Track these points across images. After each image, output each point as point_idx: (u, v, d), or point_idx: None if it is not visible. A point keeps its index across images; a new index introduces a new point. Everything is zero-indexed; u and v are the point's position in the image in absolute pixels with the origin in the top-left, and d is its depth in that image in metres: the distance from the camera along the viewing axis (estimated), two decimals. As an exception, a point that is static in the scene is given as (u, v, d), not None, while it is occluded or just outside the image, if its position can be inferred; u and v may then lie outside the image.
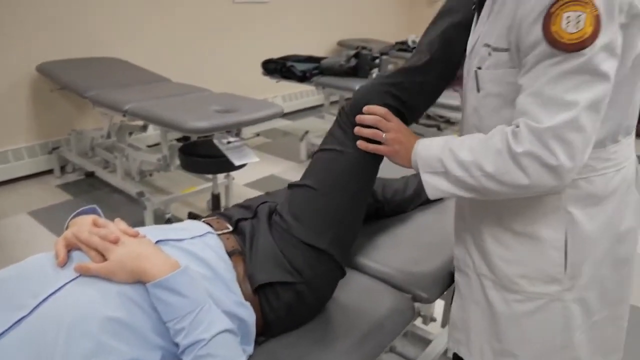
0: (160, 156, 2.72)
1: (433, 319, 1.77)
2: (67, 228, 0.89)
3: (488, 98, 0.95)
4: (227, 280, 0.93)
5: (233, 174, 2.83)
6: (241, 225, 1.09)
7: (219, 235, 1.03)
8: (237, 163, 2.35)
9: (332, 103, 4.03)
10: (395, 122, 1.07)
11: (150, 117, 2.41)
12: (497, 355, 1.08)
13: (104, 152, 3.27)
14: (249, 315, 0.94)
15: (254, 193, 3.27)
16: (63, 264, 0.80)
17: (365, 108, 1.09)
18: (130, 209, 2.96)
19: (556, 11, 0.78)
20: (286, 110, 4.92)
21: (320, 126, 4.29)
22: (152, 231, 0.92)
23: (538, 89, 0.83)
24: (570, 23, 0.77)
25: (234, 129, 2.38)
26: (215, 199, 2.61)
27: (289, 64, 3.62)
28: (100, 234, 0.82)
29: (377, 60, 3.69)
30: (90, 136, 3.34)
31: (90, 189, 3.26)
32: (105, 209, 3.01)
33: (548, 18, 0.78)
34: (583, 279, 0.98)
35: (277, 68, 3.68)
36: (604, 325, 1.05)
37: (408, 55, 4.67)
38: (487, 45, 0.92)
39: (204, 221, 1.07)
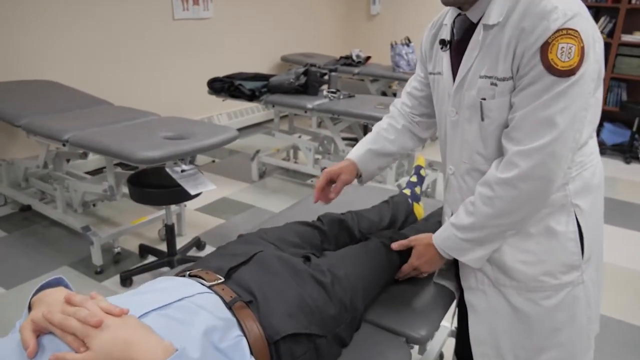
0: (105, 186, 2.55)
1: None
2: (30, 307, 0.76)
3: (494, 124, 1.03)
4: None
5: (185, 201, 2.69)
6: (237, 275, 0.99)
7: (210, 287, 0.91)
8: (193, 192, 2.23)
9: (282, 117, 3.95)
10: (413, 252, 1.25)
11: (94, 147, 2.23)
12: (531, 355, 1.13)
13: (40, 182, 3.02)
14: None
15: (207, 218, 3.14)
16: (33, 355, 0.67)
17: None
18: (74, 244, 2.74)
19: (553, 41, 0.91)
20: (234, 127, 4.82)
21: (269, 144, 4.20)
22: (132, 299, 0.81)
23: (534, 109, 0.96)
24: (564, 53, 0.91)
25: (188, 157, 2.25)
26: (169, 229, 2.46)
27: (236, 82, 3.51)
28: (78, 315, 0.69)
29: (326, 77, 3.68)
30: (23, 166, 3.08)
31: (27, 223, 2.99)
32: (46, 245, 2.83)
33: (546, 47, 0.91)
34: (591, 258, 1.12)
35: (224, 87, 3.56)
36: (598, 290, 1.19)
37: (355, 69, 4.69)
38: (489, 77, 1.01)
39: (189, 274, 0.96)
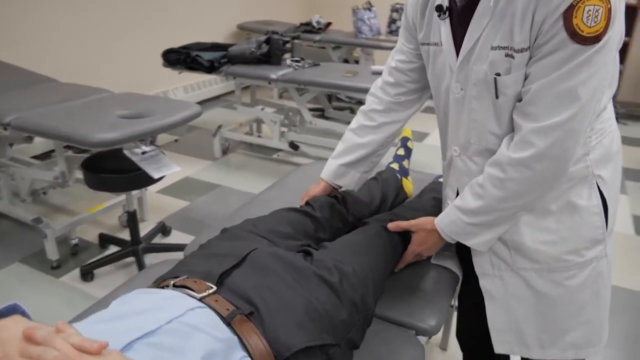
0: (56, 173, 2.31)
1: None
2: None
3: (510, 101, 0.92)
4: None
5: (147, 184, 2.49)
6: (231, 281, 0.84)
7: (202, 299, 0.77)
8: (156, 176, 2.04)
9: (243, 89, 3.74)
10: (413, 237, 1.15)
11: (42, 130, 1.99)
12: (556, 337, 1.07)
13: (-19, 171, 2.73)
14: None
15: (170, 201, 2.94)
16: None
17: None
18: (25, 237, 2.50)
19: (578, 4, 0.79)
20: (191, 101, 4.56)
21: (231, 118, 3.99)
22: (108, 327, 0.66)
23: (553, 80, 0.84)
24: (590, 17, 0.79)
25: (149, 137, 2.05)
26: (132, 216, 2.27)
27: (193, 53, 3.27)
28: (46, 357, 0.55)
29: (289, 45, 3.48)
30: (-41, 153, 2.77)
31: (-32, 217, 2.72)
32: (-8, 239, 2.58)
33: (570, 10, 0.79)
34: (612, 228, 1.05)
35: (181, 59, 3.31)
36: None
37: (316, 37, 4.49)
38: (503, 48, 0.88)
39: (174, 285, 0.81)
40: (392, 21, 4.74)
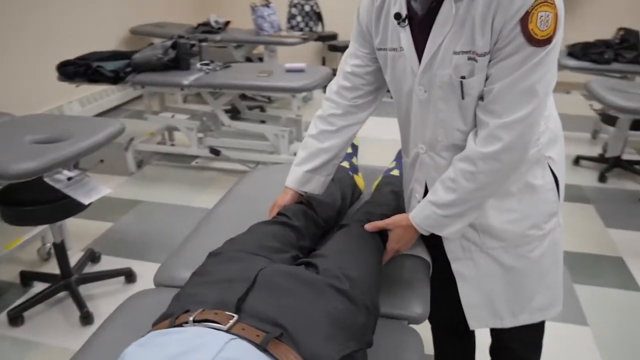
0: (-39, 212, 2.06)
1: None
2: None
3: (474, 101, 0.99)
4: None
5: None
6: (248, 306, 0.82)
7: (228, 330, 0.74)
8: (87, 201, 1.91)
9: (138, 98, 3.54)
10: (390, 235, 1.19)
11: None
12: (525, 304, 1.17)
13: None
14: None
15: (91, 225, 2.75)
16: None
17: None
18: None
19: (533, 11, 0.87)
20: (88, 114, 4.25)
21: (138, 128, 3.78)
22: None
23: (514, 80, 0.92)
24: (542, 22, 0.88)
25: (71, 163, 1.90)
26: (59, 248, 2.09)
27: (94, 64, 3.05)
28: None
29: (195, 48, 3.38)
30: None
31: None
32: None
33: (526, 17, 0.87)
34: (562, 200, 1.18)
35: (80, 71, 3.07)
36: None
37: (216, 37, 4.38)
38: (465, 52, 0.95)
39: (194, 321, 0.77)
40: (292, 16, 4.78)
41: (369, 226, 1.18)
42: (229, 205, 1.58)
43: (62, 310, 2.09)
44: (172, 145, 3.83)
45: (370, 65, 1.20)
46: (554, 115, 1.13)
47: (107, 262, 2.41)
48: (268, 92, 3.33)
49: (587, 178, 3.30)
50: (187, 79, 3.06)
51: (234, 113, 4.01)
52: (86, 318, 1.99)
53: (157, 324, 0.85)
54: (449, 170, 1.05)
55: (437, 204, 1.06)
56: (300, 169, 1.28)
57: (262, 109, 4.65)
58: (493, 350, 1.39)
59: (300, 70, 3.20)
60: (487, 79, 0.96)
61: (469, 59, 0.95)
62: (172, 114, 3.76)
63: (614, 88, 2.57)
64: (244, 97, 4.57)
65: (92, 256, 2.38)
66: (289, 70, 3.21)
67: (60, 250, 2.09)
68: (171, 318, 0.81)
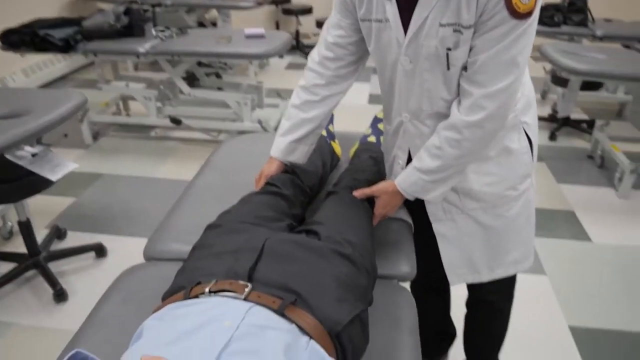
0: None
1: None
2: None
3: (458, 71, 1.03)
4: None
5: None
6: (259, 275, 0.84)
7: (246, 299, 0.76)
8: (55, 178, 1.85)
9: (89, 65, 3.38)
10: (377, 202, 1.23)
11: None
12: (501, 259, 1.26)
13: None
14: None
15: (52, 201, 2.66)
16: None
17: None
18: None
19: None
20: (34, 85, 4.03)
21: (94, 99, 3.61)
22: (182, 345, 0.64)
23: (498, 52, 0.96)
24: None
25: (34, 138, 1.82)
26: (25, 226, 2.02)
27: (41, 32, 2.88)
28: None
29: (148, 14, 3.24)
30: None
31: None
32: None
33: None
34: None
35: (25, 39, 2.90)
36: None
37: (167, 1, 4.21)
38: (451, 24, 0.98)
39: (210, 292, 0.78)
40: (245, -21, 4.62)
41: (357, 193, 1.22)
42: (209, 177, 1.58)
43: (33, 289, 2.04)
44: (128, 115, 3.71)
45: (353, 35, 1.21)
46: (528, 82, 1.18)
47: (74, 238, 2.36)
48: (229, 59, 3.25)
49: (538, 137, 3.46)
50: (143, 46, 2.95)
51: (190, 80, 3.91)
52: (60, 295, 1.96)
53: (167, 298, 0.87)
54: (433, 138, 1.09)
55: (423, 170, 1.11)
56: (285, 139, 1.29)
57: (219, 76, 4.55)
58: (470, 303, 1.48)
59: (261, 36, 3.15)
60: (470, 49, 1.00)
61: (455, 30, 0.97)
62: (126, 83, 3.62)
63: (566, 51, 2.69)
64: (199, 63, 4.45)
65: (57, 233, 2.32)
66: (249, 36, 3.15)
67: (26, 229, 2.03)
68: (185, 291, 0.82)
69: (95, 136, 3.39)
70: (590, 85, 3.37)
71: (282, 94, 3.71)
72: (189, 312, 0.75)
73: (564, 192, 2.82)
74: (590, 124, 3.63)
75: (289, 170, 1.34)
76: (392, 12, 1.04)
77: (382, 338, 0.99)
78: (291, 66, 5.18)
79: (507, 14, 0.92)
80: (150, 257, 1.25)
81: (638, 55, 2.96)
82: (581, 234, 2.46)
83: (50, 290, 1.98)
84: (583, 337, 1.87)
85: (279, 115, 3.43)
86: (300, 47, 5.44)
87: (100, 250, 2.22)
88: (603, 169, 3.10)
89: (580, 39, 3.78)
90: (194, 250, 0.99)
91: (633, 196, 2.81)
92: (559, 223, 2.54)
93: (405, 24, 1.04)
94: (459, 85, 1.05)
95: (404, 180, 1.15)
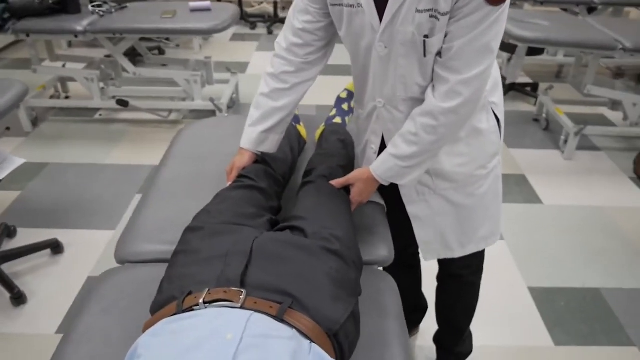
0: None
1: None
2: None
3: (433, 58, 1.03)
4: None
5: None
6: (251, 279, 0.83)
7: (242, 307, 0.75)
8: (1, 176, 1.73)
9: (15, 42, 3.14)
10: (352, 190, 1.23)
11: None
12: (471, 235, 1.30)
13: None
14: None
15: (4, 196, 2.49)
16: None
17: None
18: None
19: None
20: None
21: (30, 82, 3.37)
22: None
23: (473, 38, 0.97)
24: None
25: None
26: (-29, 228, 1.89)
27: (-37, 11, 2.63)
28: None
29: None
30: None
31: None
32: None
33: None
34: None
35: (-54, 20, 2.65)
36: None
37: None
38: (428, 10, 0.97)
39: (205, 303, 0.76)
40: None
41: (334, 183, 1.22)
42: (173, 168, 1.52)
43: (-14, 293, 1.93)
44: (67, 97, 3.50)
45: (322, 20, 1.17)
46: (495, 62, 1.20)
47: (25, 235, 2.23)
48: (175, 35, 3.10)
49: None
50: (80, 24, 2.76)
51: (132, 57, 3.72)
52: (18, 299, 1.86)
53: (157, 311, 0.84)
54: (408, 124, 1.09)
55: (399, 157, 1.12)
56: (255, 129, 1.26)
57: (161, 51, 4.36)
58: (441, 278, 1.53)
59: (207, 10, 3.02)
60: (445, 36, 0.99)
61: (431, 16, 0.97)
62: (63, 64, 3.40)
63: (513, 18, 2.74)
64: (141, 38, 4.23)
65: (7, 231, 2.18)
66: (194, 10, 3.01)
67: (-26, 230, 1.90)
68: (177, 302, 0.80)
69: (35, 122, 3.18)
70: (533, 51, 3.47)
71: (231, 68, 3.60)
72: (186, 327, 0.73)
73: (514, 156, 2.94)
74: (534, 87, 3.77)
75: (260, 159, 1.31)
76: None
77: (369, 327, 1.00)
78: (236, 37, 5.02)
79: (483, 1, 0.92)
80: (123, 259, 1.20)
81: (576, 19, 3.08)
82: (533, 197, 2.58)
83: (6, 294, 1.87)
84: (541, 296, 1.98)
85: (230, 91, 3.34)
86: (244, 16, 5.27)
87: (56, 247, 2.11)
88: (548, 131, 3.25)
89: (522, 4, 3.87)
90: (178, 256, 0.95)
91: (577, 157, 2.96)
92: (511, 187, 2.65)
93: (380, 9, 1.02)
94: (433, 71, 1.05)
95: (379, 167, 1.16)
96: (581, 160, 2.94)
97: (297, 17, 1.19)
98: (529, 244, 2.26)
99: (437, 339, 1.66)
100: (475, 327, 1.61)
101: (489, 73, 1.02)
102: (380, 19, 1.02)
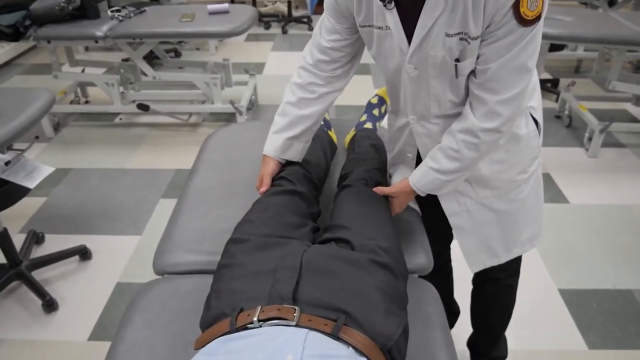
0: None
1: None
2: None
3: (465, 78, 1.03)
4: None
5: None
6: (303, 295, 0.82)
7: (298, 325, 0.74)
8: (32, 185, 1.74)
9: (30, 50, 3.16)
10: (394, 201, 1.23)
11: None
12: (517, 239, 1.28)
13: None
14: None
15: (21, 202, 2.50)
16: None
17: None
18: None
19: None
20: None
21: (54, 86, 3.39)
22: None
23: (508, 60, 0.95)
24: (532, 3, 0.90)
25: (5, 146, 1.70)
26: (3, 237, 1.91)
27: (-14, 19, 2.66)
28: None
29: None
30: None
31: None
32: None
33: (517, 2, 0.89)
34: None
35: (-31, 28, 2.67)
36: None
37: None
38: (458, 34, 0.96)
39: (259, 321, 0.75)
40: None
41: (377, 190, 1.21)
42: (204, 176, 1.52)
43: (18, 300, 1.94)
44: (87, 102, 3.52)
45: (349, 38, 1.16)
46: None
47: (53, 242, 2.25)
48: (194, 38, 3.11)
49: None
50: (100, 29, 2.78)
51: (149, 60, 3.73)
52: (50, 306, 1.88)
53: (208, 327, 0.83)
54: (448, 140, 1.08)
55: (441, 171, 1.11)
56: (280, 136, 1.25)
57: (177, 53, 4.37)
58: (477, 282, 1.52)
59: (225, 12, 3.02)
60: (478, 57, 0.98)
61: (461, 39, 0.96)
62: (82, 69, 3.42)
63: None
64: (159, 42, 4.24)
65: (35, 238, 2.20)
66: (212, 12, 3.01)
67: (4, 239, 1.92)
68: (230, 319, 0.79)
69: (56, 127, 3.21)
70: (555, 47, 3.43)
71: (249, 70, 3.59)
72: (242, 347, 0.72)
73: (537, 155, 2.90)
74: (555, 83, 3.72)
75: (300, 162, 1.31)
76: (393, 21, 1.01)
77: (415, 338, 0.99)
78: (250, 37, 5.02)
79: (516, 23, 0.90)
80: (162, 270, 1.20)
81: (599, 14, 3.03)
82: (559, 196, 2.55)
83: (38, 301, 1.89)
84: (572, 299, 1.96)
85: (249, 93, 3.33)
86: (258, 17, 5.25)
87: (84, 254, 2.13)
88: (571, 128, 3.21)
89: None
90: (223, 269, 0.95)
91: (602, 155, 2.92)
92: (536, 187, 2.61)
93: (409, 32, 1.00)
94: (467, 87, 1.04)
95: (419, 180, 1.15)
96: (606, 158, 2.90)
97: (324, 36, 1.18)
98: (557, 245, 2.23)
99: (471, 343, 1.65)
100: (507, 331, 1.59)
101: (526, 91, 1.00)
102: (409, 42, 1.01)
